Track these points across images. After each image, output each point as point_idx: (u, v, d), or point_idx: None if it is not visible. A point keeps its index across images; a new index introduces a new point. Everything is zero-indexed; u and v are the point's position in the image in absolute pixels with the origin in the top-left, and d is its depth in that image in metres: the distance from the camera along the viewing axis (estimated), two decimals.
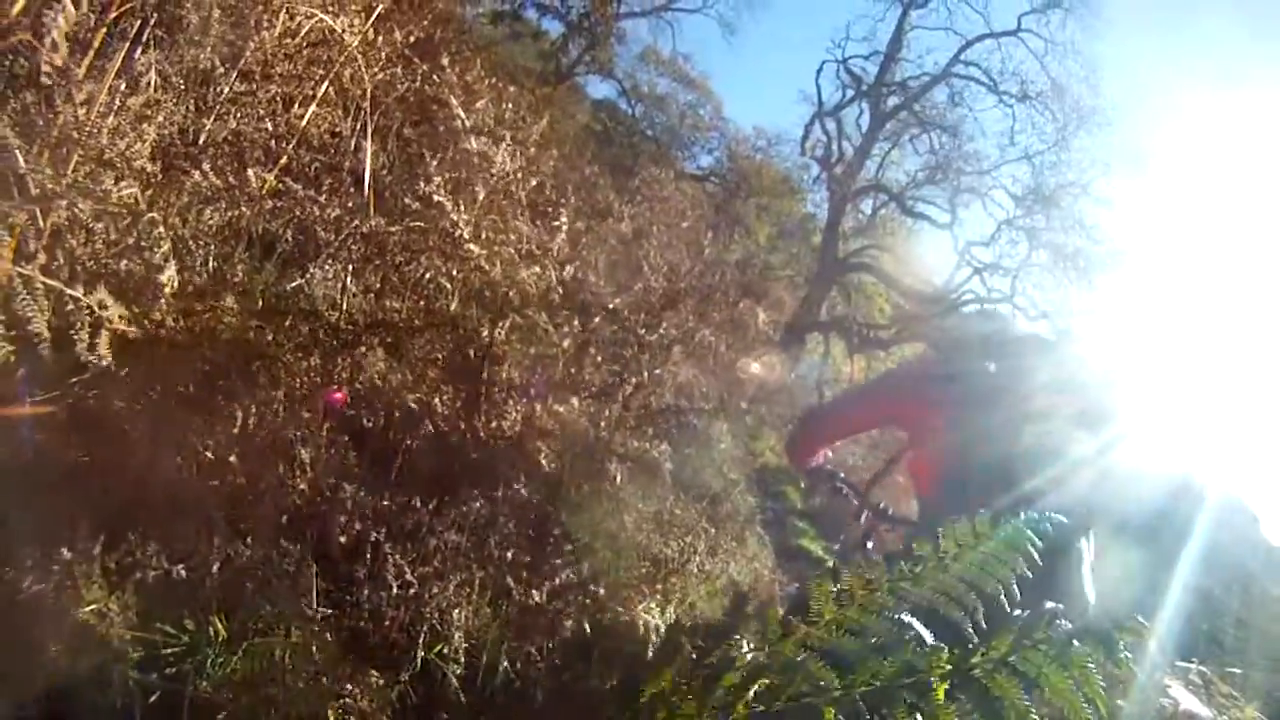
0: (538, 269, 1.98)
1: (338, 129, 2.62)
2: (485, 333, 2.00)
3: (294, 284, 2.43)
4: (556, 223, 2.03)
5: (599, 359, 2.62)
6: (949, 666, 1.77)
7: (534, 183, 2.24)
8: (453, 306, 2.20)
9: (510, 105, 3.04)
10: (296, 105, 2.44)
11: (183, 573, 1.58)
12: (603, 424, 2.87)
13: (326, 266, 2.31)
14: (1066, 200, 14.94)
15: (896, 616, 1.94)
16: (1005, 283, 15.63)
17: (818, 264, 17.06)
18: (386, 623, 1.94)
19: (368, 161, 2.28)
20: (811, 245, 18.52)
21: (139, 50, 2.08)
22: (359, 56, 2.25)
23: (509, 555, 2.16)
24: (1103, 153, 14.99)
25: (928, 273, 17.19)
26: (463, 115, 2.39)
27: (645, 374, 3.53)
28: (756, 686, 1.81)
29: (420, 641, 1.96)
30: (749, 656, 1.90)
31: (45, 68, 1.58)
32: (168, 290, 1.62)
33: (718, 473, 6.02)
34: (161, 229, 1.60)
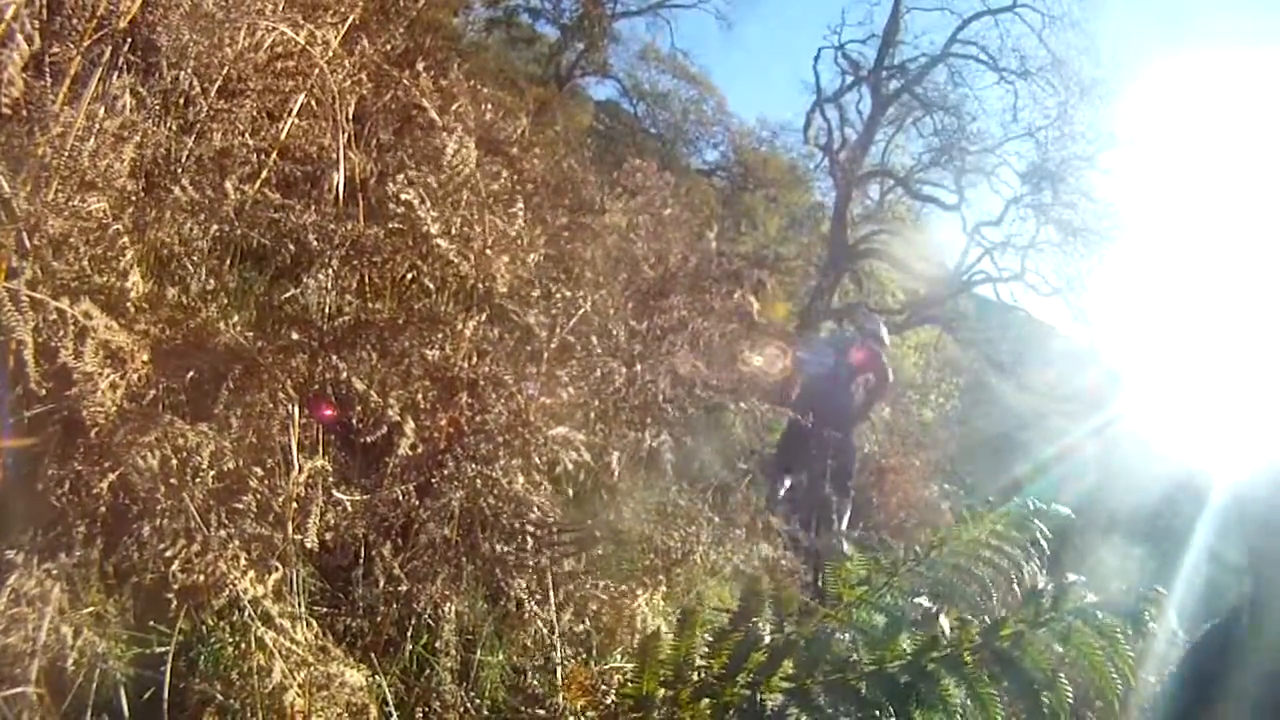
0: (508, 258, 2.03)
1: (318, 139, 2.67)
2: (462, 326, 2.05)
3: (284, 292, 2.50)
4: (513, 210, 2.07)
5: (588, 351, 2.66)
6: (979, 639, 1.80)
7: (503, 179, 2.29)
8: (433, 303, 2.25)
9: (489, 107, 3.08)
10: (275, 119, 2.51)
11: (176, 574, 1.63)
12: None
13: (318, 276, 2.37)
14: (1072, 175, 14.83)
15: (913, 600, 1.97)
16: (1015, 261, 15.56)
17: (827, 252, 17.02)
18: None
19: (341, 170, 2.33)
20: (821, 234, 18.48)
21: (114, 74, 2.15)
22: (326, 67, 2.30)
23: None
24: (1107, 124, 14.86)
25: (938, 255, 17.14)
26: (437, 118, 2.44)
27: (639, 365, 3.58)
28: (785, 666, 1.84)
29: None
30: (770, 638, 1.93)
31: (4, 99, 1.65)
32: (134, 296, 1.68)
33: (728, 463, 6.07)
34: (126, 240, 1.66)
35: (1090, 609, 1.79)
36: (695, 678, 1.93)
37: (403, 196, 1.96)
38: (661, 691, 1.95)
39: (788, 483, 7.02)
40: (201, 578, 1.48)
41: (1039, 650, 1.75)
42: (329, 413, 2.13)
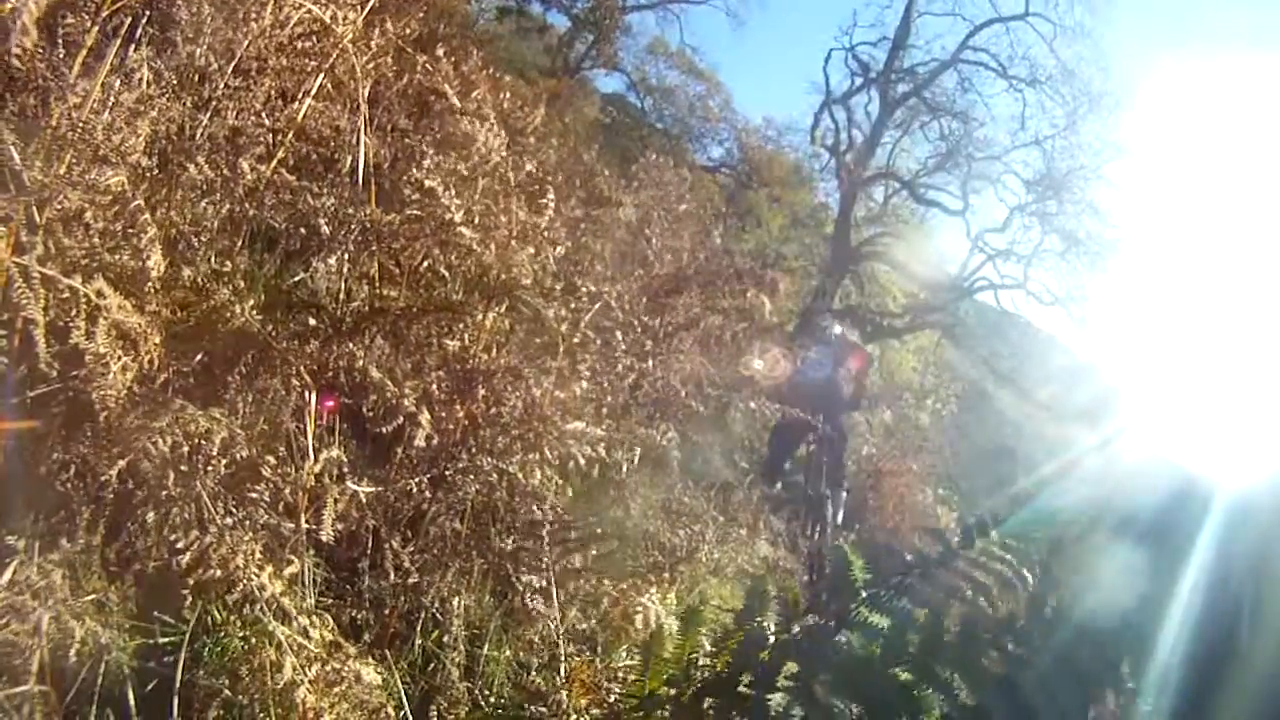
0: (532, 250, 1.98)
1: (336, 122, 2.62)
2: (481, 316, 2.00)
3: (295, 277, 2.45)
4: (542, 202, 2.03)
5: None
6: (985, 640, 1.76)
7: (528, 169, 2.24)
8: (450, 292, 2.21)
9: (507, 95, 3.03)
10: (292, 99, 2.45)
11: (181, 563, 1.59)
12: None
13: (330, 261, 2.32)
14: (1078, 185, 14.82)
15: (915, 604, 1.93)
16: (1018, 269, 15.56)
17: (830, 253, 17.00)
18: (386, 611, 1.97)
19: (362, 153, 2.28)
20: (824, 235, 18.46)
21: (132, 48, 2.10)
22: (351, 49, 2.25)
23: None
24: (1114, 136, 14.85)
25: (941, 260, 17.12)
26: (458, 104, 2.40)
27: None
28: (790, 665, 1.80)
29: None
30: (774, 636, 1.90)
31: (15, 50, 1.59)
32: (155, 276, 1.63)
33: (729, 462, 6.04)
34: (148, 216, 1.61)
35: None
36: (699, 677, 1.91)
37: (426, 183, 1.91)
38: (665, 690, 1.93)
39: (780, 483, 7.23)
40: (216, 571, 1.43)
41: (1046, 651, 1.72)
42: (332, 404, 2.08)
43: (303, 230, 2.38)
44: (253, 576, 1.46)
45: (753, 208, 18.98)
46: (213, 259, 2.21)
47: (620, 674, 2.43)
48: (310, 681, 1.50)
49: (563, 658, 2.40)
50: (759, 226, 18.53)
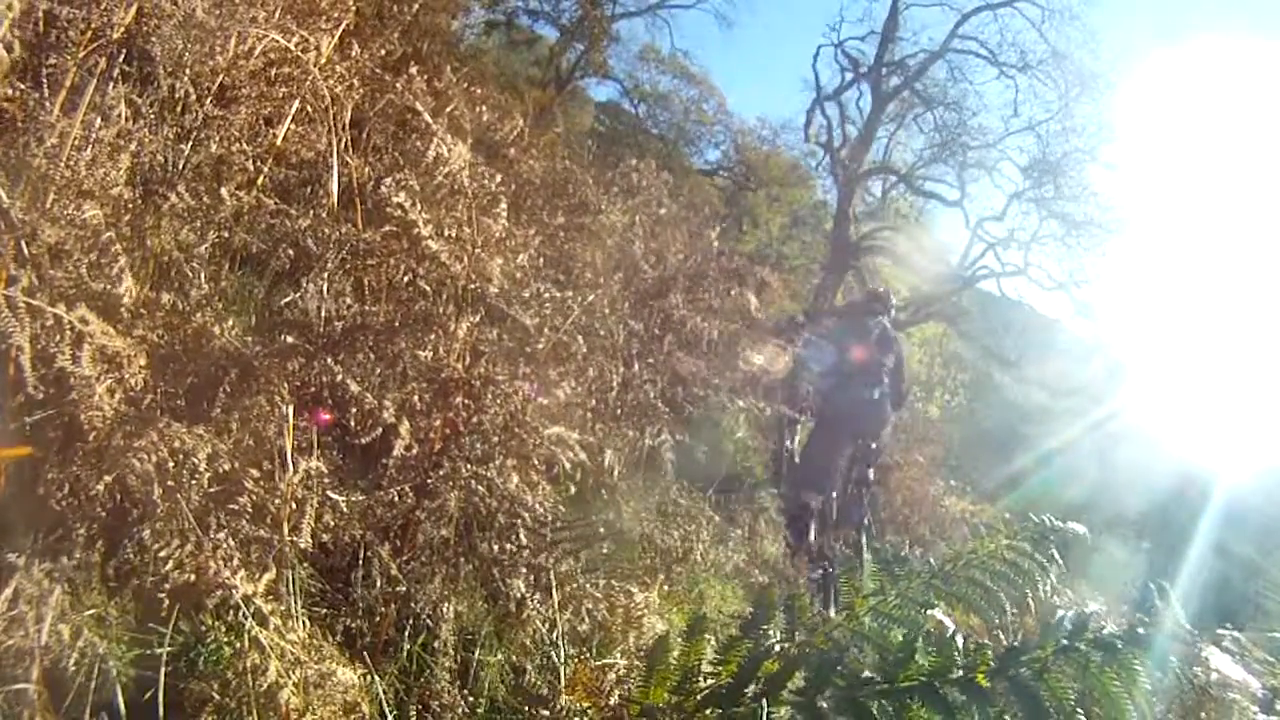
0: (501, 260, 2.05)
1: (314, 144, 2.70)
2: (455, 327, 2.07)
3: (283, 296, 2.52)
4: (497, 211, 2.09)
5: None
6: (994, 664, 1.77)
7: (492, 182, 2.30)
8: (429, 305, 2.28)
9: (485, 108, 3.10)
10: (270, 124, 2.53)
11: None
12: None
13: (317, 281, 2.39)
14: (1074, 168, 14.85)
15: (926, 612, 1.95)
16: (1018, 256, 15.59)
17: (830, 250, 17.03)
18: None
19: (337, 174, 2.35)
20: (824, 232, 18.49)
21: (110, 84, 2.18)
22: (318, 73, 2.33)
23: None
24: (1107, 117, 14.88)
25: (941, 251, 17.15)
26: (431, 121, 2.46)
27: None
28: (795, 678, 1.82)
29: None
30: (780, 648, 1.91)
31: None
32: (128, 302, 1.71)
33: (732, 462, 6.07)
34: (119, 247, 1.69)
35: (1109, 639, 1.76)
36: (702, 686, 1.91)
37: (395, 199, 1.98)
38: (669, 699, 1.93)
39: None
40: (194, 577, 1.50)
41: (1057, 679, 1.72)
42: (325, 417, 2.15)
43: (289, 252, 2.45)
44: (236, 585, 1.52)
45: (752, 208, 19.03)
46: (200, 283, 2.28)
47: (615, 674, 2.46)
48: (295, 685, 1.56)
49: (559, 661, 2.44)
50: (758, 227, 18.59)
